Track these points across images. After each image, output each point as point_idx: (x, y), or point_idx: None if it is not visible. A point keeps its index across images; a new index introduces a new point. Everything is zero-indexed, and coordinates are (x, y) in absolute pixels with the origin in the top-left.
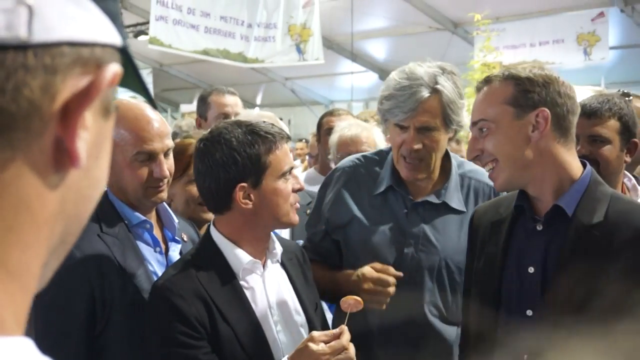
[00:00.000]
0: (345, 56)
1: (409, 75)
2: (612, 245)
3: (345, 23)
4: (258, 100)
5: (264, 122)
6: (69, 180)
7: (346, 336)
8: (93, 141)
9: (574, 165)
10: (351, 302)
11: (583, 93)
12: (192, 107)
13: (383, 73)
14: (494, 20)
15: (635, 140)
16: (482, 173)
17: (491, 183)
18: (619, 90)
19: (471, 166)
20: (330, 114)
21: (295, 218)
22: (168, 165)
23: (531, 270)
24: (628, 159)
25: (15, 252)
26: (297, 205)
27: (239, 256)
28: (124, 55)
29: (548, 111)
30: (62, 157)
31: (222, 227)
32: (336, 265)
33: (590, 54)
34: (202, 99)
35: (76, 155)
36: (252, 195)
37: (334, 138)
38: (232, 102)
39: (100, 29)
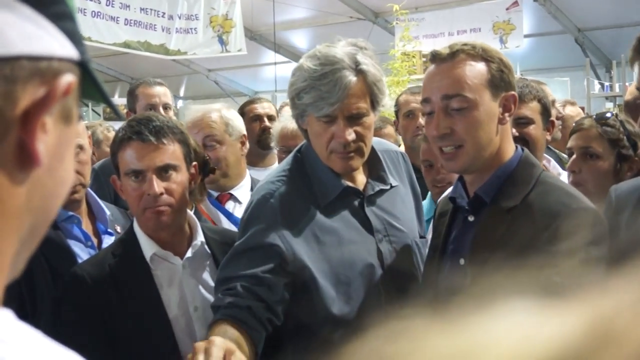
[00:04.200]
0: (268, 47)
1: (325, 59)
2: (521, 230)
3: (267, 14)
4: (181, 93)
5: (143, 119)
6: (33, 178)
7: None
8: (55, 144)
9: (509, 149)
10: None
11: None
12: (114, 100)
13: None
14: (412, 10)
15: (553, 119)
16: (384, 142)
17: (396, 148)
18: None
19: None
20: (252, 102)
21: (149, 225)
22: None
23: (462, 262)
24: (549, 137)
25: None
26: (161, 208)
27: (147, 246)
28: (84, 68)
29: (516, 95)
30: (25, 157)
31: None
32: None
33: (506, 42)
34: (131, 92)
35: (36, 155)
36: (122, 189)
37: (277, 128)
38: (160, 93)
39: (56, 45)
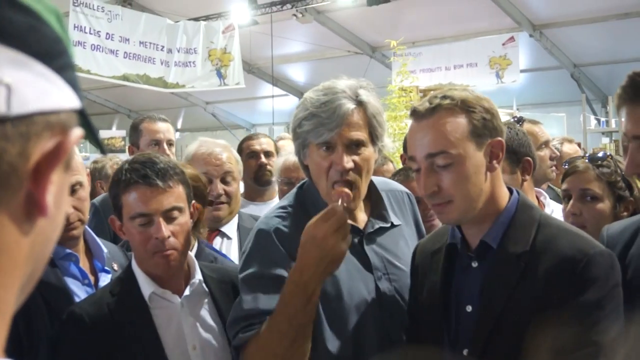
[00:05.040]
0: (266, 80)
1: (328, 90)
2: (537, 275)
3: (265, 47)
4: (179, 125)
5: (147, 161)
6: (38, 227)
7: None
8: (57, 192)
9: (503, 194)
10: (343, 192)
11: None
12: (112, 132)
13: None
14: (410, 44)
15: (528, 158)
16: (389, 182)
17: (402, 188)
18: (514, 117)
19: (376, 178)
20: (249, 138)
21: (158, 268)
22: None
23: (469, 309)
24: (526, 178)
25: None
26: (168, 252)
27: (146, 285)
28: (81, 114)
29: (503, 140)
30: (33, 208)
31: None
32: None
33: (502, 77)
34: (134, 127)
35: (46, 207)
36: (123, 230)
37: (279, 162)
38: (164, 129)
39: (63, 97)
